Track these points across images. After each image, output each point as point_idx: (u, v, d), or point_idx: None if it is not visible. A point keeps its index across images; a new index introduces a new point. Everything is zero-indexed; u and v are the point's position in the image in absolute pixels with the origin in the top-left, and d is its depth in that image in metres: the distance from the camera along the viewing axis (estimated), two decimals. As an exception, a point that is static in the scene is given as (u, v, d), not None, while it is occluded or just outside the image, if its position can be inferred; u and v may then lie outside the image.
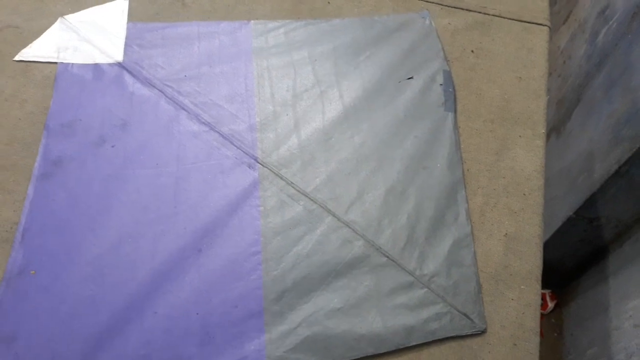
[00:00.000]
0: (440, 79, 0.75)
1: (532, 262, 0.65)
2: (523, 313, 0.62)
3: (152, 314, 0.58)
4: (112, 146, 0.68)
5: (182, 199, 0.65)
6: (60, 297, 0.58)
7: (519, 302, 0.62)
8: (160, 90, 0.72)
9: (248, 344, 0.56)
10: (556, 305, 1.44)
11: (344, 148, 0.70)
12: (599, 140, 1.05)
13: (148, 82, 0.73)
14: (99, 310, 0.57)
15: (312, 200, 0.65)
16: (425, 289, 0.61)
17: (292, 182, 0.66)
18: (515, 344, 0.60)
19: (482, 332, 0.60)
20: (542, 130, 0.73)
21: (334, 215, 0.64)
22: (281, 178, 0.66)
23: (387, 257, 0.62)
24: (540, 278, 0.64)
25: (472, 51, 0.80)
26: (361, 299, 0.60)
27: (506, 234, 0.66)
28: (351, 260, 0.62)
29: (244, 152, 0.68)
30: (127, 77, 0.73)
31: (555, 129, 1.30)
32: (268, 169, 0.67)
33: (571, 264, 1.31)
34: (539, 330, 0.61)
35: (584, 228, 1.17)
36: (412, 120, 0.72)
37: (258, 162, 0.67)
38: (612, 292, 1.14)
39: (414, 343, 0.58)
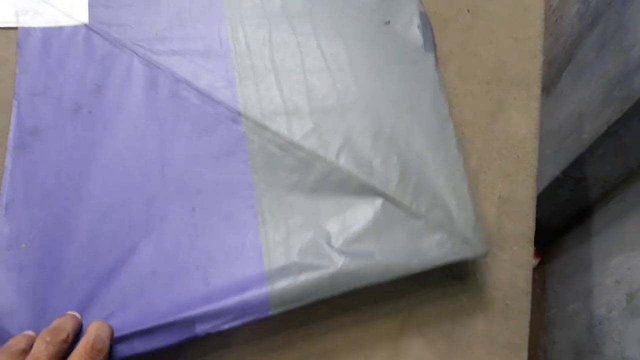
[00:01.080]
0: (417, 20, 0.74)
1: (524, 223, 0.66)
2: (515, 274, 0.63)
3: (150, 273, 0.57)
4: (89, 112, 0.65)
5: (169, 160, 0.63)
6: (56, 269, 0.57)
7: (511, 264, 0.63)
8: (132, 51, 0.69)
9: (250, 291, 0.56)
10: (540, 263, 1.48)
11: (327, 96, 0.68)
12: (589, 100, 1.05)
13: (118, 43, 0.70)
14: (97, 279, 0.56)
15: (301, 148, 0.64)
16: (423, 221, 0.61)
17: (278, 133, 0.65)
18: (507, 304, 0.61)
19: (484, 256, 0.59)
20: (537, 91, 0.73)
21: (325, 161, 0.64)
22: (267, 129, 0.65)
23: (382, 195, 0.62)
24: (532, 239, 0.65)
25: (468, 10, 0.78)
26: (360, 236, 0.60)
27: (500, 196, 0.67)
28: (346, 201, 0.62)
29: (225, 107, 0.66)
30: (96, 39, 0.70)
31: (546, 89, 1.30)
32: (252, 121, 0.65)
33: (556, 223, 1.34)
34: (530, 290, 0.62)
35: (571, 188, 1.19)
36: (394, 63, 0.71)
37: (241, 116, 0.66)
38: (595, 250, 1.17)
39: (416, 271, 0.58)
